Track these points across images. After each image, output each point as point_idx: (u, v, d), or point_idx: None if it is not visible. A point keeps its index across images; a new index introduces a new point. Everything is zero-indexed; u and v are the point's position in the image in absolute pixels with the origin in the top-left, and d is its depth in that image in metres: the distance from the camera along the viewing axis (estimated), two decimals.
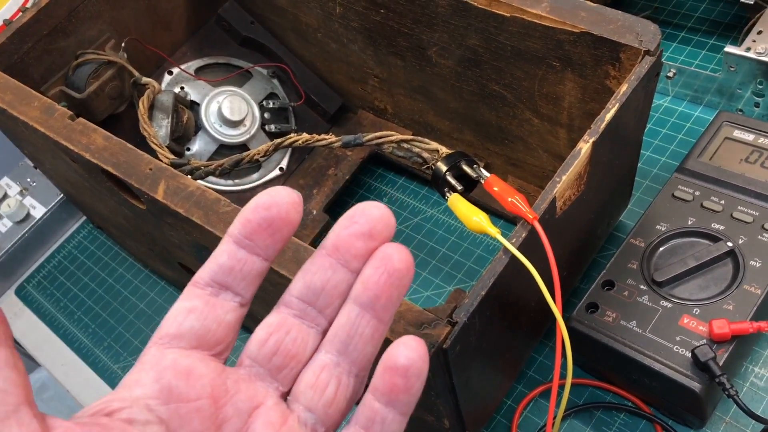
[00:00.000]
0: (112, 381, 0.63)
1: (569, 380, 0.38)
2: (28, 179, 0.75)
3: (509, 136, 0.57)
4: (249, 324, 0.62)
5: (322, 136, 0.44)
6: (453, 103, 0.58)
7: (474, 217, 0.38)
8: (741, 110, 0.59)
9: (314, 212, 0.64)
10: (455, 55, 0.53)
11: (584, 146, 0.39)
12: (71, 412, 0.82)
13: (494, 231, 0.37)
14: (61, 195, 0.72)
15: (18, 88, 0.50)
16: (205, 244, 0.44)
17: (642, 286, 0.48)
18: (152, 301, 0.67)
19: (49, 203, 0.73)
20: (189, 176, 0.43)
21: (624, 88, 0.40)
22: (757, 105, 0.58)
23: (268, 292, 0.44)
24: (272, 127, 0.66)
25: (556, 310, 0.36)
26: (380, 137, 0.43)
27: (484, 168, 0.61)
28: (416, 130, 0.65)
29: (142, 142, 0.54)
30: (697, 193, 0.51)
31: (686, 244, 0.49)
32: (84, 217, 0.74)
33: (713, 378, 0.42)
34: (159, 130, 0.56)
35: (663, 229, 0.50)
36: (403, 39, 0.55)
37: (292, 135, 0.45)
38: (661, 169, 0.60)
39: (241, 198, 0.65)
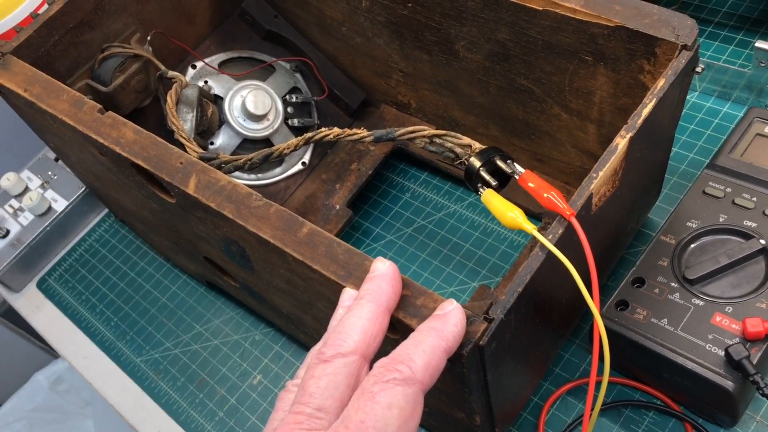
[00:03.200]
0: (135, 374, 0.63)
1: (606, 378, 0.37)
2: (50, 172, 0.75)
3: (536, 131, 0.56)
4: (272, 317, 0.62)
5: (354, 130, 0.44)
6: (479, 98, 0.58)
7: (509, 213, 0.38)
8: None
9: (337, 207, 0.64)
10: (484, 49, 0.52)
11: (621, 141, 0.38)
12: (86, 405, 0.83)
13: (531, 227, 0.37)
14: (83, 188, 0.72)
15: (47, 81, 0.50)
16: (234, 238, 0.44)
17: (673, 284, 0.47)
18: (174, 295, 0.67)
19: (71, 196, 0.73)
20: (219, 170, 0.43)
21: (661, 83, 0.40)
22: None
23: (298, 287, 0.44)
24: (295, 122, 0.66)
25: (594, 308, 0.35)
26: (412, 132, 0.42)
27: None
28: (440, 124, 0.65)
29: (167, 136, 0.54)
30: (729, 189, 0.50)
31: (718, 242, 0.48)
32: (105, 211, 0.74)
33: (747, 377, 0.42)
34: (184, 124, 0.56)
35: (694, 226, 0.49)
36: (430, 33, 0.55)
37: (323, 129, 0.45)
38: (689, 165, 0.59)
39: (264, 192, 0.65)
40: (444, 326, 0.33)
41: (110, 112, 0.46)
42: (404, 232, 0.64)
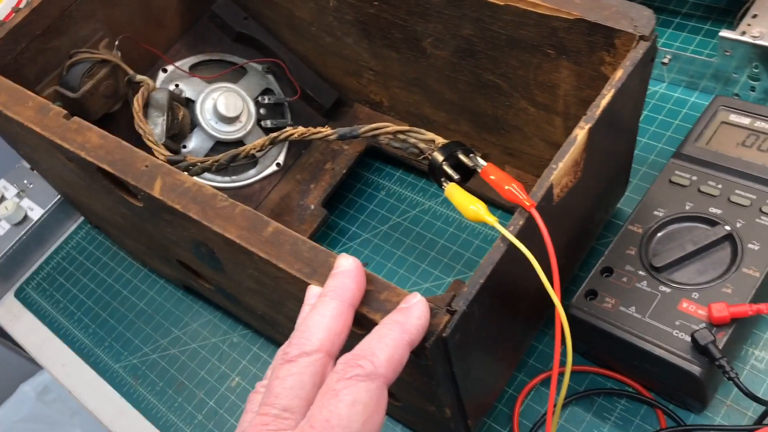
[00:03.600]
0: (113, 380, 0.63)
1: (569, 367, 0.38)
2: (25, 181, 0.75)
3: (505, 125, 0.57)
4: (249, 319, 0.62)
5: (318, 129, 0.44)
6: (448, 94, 0.58)
7: (471, 206, 0.38)
8: (737, 95, 0.59)
9: (312, 207, 0.64)
10: (450, 45, 0.53)
11: (580, 132, 0.39)
12: (74, 414, 0.82)
13: (492, 219, 0.37)
14: (59, 196, 0.72)
15: (12, 88, 0.50)
16: (202, 240, 0.44)
17: (641, 272, 0.48)
18: (152, 300, 0.67)
19: (47, 205, 0.73)
20: (185, 172, 0.43)
21: (619, 74, 0.40)
22: (752, 89, 0.58)
23: (267, 286, 0.44)
24: (268, 123, 0.66)
25: (555, 297, 0.36)
26: (376, 129, 0.43)
27: (482, 158, 0.61)
28: (413, 122, 0.65)
29: (137, 141, 0.54)
30: (695, 178, 0.51)
31: (684, 229, 0.49)
32: (82, 218, 0.74)
33: (713, 361, 0.42)
34: (154, 128, 0.56)
35: (661, 215, 0.50)
36: (398, 31, 0.55)
37: (287, 129, 0.45)
38: (658, 155, 0.60)
39: (239, 194, 0.65)
40: (407, 319, 0.33)
41: (75, 118, 0.46)
42: (380, 229, 0.65)
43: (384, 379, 0.31)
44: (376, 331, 0.33)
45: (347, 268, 0.35)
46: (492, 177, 0.39)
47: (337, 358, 0.32)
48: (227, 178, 0.65)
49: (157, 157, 0.48)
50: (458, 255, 0.61)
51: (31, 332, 0.69)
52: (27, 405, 1.24)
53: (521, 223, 0.37)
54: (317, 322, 0.33)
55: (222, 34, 0.68)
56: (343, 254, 0.36)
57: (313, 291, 0.36)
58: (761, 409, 0.45)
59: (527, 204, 0.37)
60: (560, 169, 0.38)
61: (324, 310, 0.33)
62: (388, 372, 0.31)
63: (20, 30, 0.55)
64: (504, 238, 0.36)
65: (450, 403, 0.41)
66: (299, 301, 0.41)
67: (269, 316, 0.52)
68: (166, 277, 0.66)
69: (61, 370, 0.66)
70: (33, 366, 1.22)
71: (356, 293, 0.34)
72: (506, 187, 0.38)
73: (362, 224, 0.65)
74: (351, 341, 0.34)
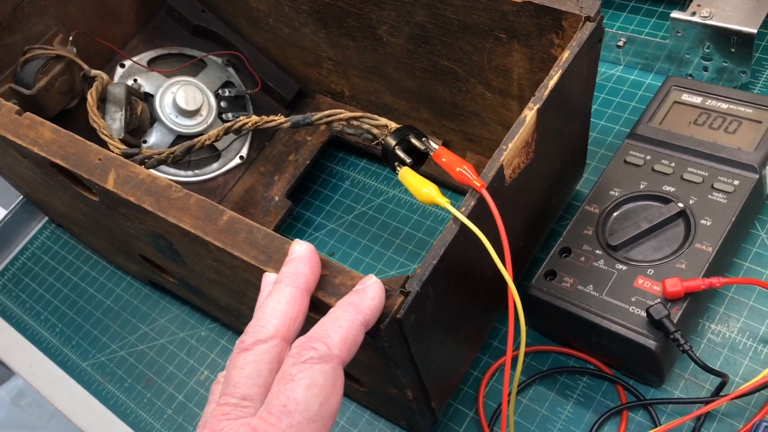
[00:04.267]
0: (81, 379, 0.63)
1: (523, 347, 0.38)
2: None
3: (464, 111, 0.57)
4: (215, 312, 0.62)
5: (272, 117, 0.44)
6: (407, 82, 0.58)
7: (424, 189, 0.39)
8: (691, 75, 0.60)
9: (276, 198, 0.64)
10: (405, 32, 0.53)
11: (529, 113, 0.39)
12: (51, 419, 0.82)
13: (444, 201, 0.38)
14: (21, 196, 0.72)
15: None
16: (159, 232, 0.44)
17: (598, 251, 0.49)
18: (118, 297, 0.66)
19: (9, 205, 0.72)
20: (141, 165, 0.43)
21: (566, 55, 0.41)
22: (705, 69, 0.59)
23: (226, 276, 0.44)
24: (230, 116, 0.66)
25: (507, 275, 0.36)
26: (329, 115, 0.43)
27: (443, 145, 0.62)
28: (374, 110, 0.65)
29: (96, 136, 0.54)
30: (648, 157, 0.52)
31: (639, 208, 0.50)
32: (46, 218, 0.74)
33: (668, 335, 0.43)
34: (113, 123, 0.56)
35: (616, 195, 0.51)
36: (353, 19, 0.55)
37: (241, 118, 0.45)
38: (616, 137, 0.61)
39: (202, 188, 0.65)
40: (361, 300, 0.33)
41: (28, 113, 0.46)
42: (345, 219, 0.65)
43: (339, 360, 0.31)
44: (330, 313, 0.33)
45: (301, 254, 0.35)
46: (443, 159, 0.40)
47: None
48: (190, 172, 0.65)
49: (113, 151, 0.47)
50: (423, 242, 0.61)
51: None
52: (2, 410, 1.22)
53: (472, 203, 0.37)
54: (272, 308, 0.33)
55: (180, 27, 0.67)
56: (297, 240, 0.36)
57: (268, 278, 0.36)
58: (718, 381, 0.46)
59: (477, 185, 0.37)
60: (510, 150, 0.39)
61: (278, 296, 0.33)
62: (342, 353, 0.31)
63: None
64: (456, 219, 0.37)
65: (411, 385, 0.42)
66: (258, 289, 0.41)
67: (233, 307, 0.52)
68: (132, 273, 0.66)
69: (29, 370, 0.66)
70: (6, 371, 1.21)
71: (311, 278, 0.34)
72: (457, 169, 0.38)
73: (327, 214, 0.66)
74: (307, 327, 0.34)
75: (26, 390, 1.21)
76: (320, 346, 0.31)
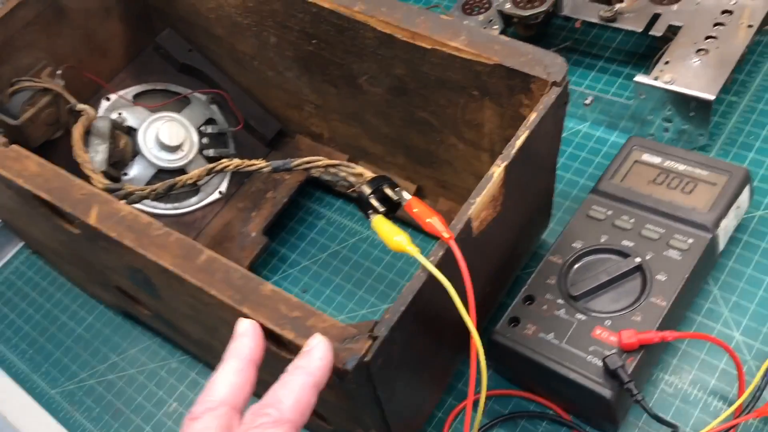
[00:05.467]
0: (49, 406, 0.63)
1: (484, 392, 0.40)
2: None
3: (438, 159, 0.60)
4: (186, 345, 0.63)
5: (253, 161, 0.46)
6: (384, 129, 0.61)
7: (395, 237, 0.41)
8: (653, 135, 0.64)
9: (253, 234, 0.66)
10: (384, 83, 0.56)
11: (496, 170, 0.42)
12: None
13: (414, 250, 0.40)
14: None
15: None
16: (138, 267, 0.45)
17: (559, 300, 0.51)
18: (90, 326, 0.67)
19: None
20: (123, 200, 0.44)
21: (533, 117, 0.43)
22: (666, 130, 0.62)
23: (201, 312, 0.45)
24: (211, 152, 0.68)
25: (470, 322, 0.38)
26: (308, 162, 0.45)
27: (416, 191, 0.64)
28: (352, 154, 0.68)
29: (78, 169, 0.55)
30: (609, 212, 0.54)
31: (599, 261, 0.52)
32: (21, 243, 0.74)
33: (622, 385, 0.45)
34: (95, 155, 0.57)
35: (578, 247, 0.53)
36: (335, 68, 0.58)
37: (224, 160, 0.47)
38: (581, 190, 0.63)
39: (180, 221, 0.66)
40: (309, 362, 0.35)
41: (14, 146, 0.47)
42: (319, 257, 0.67)
43: (292, 424, 0.33)
44: (280, 379, 0.34)
45: (245, 329, 0.37)
46: (415, 210, 0.42)
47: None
48: (169, 206, 0.66)
49: (96, 186, 0.49)
50: (394, 283, 0.63)
51: None
52: None
53: (441, 254, 0.39)
54: (218, 379, 0.35)
55: (166, 64, 0.69)
56: (241, 318, 0.38)
57: (241, 325, 0.38)
58: (669, 430, 0.48)
59: (446, 236, 0.39)
60: (478, 204, 0.41)
61: (225, 367, 0.35)
62: (295, 416, 0.33)
63: None
64: (425, 268, 0.39)
65: (376, 426, 0.43)
66: (231, 327, 0.43)
67: (205, 341, 0.53)
68: (105, 302, 0.67)
69: None
70: None
71: (255, 350, 0.36)
72: (427, 221, 0.40)
73: (302, 251, 0.67)
74: (280, 365, 0.36)
75: None
76: (273, 411, 0.32)
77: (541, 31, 0.72)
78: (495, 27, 0.69)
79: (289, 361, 0.39)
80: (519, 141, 0.42)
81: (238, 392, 0.34)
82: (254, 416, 0.32)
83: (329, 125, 0.66)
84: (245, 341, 0.36)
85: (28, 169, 0.46)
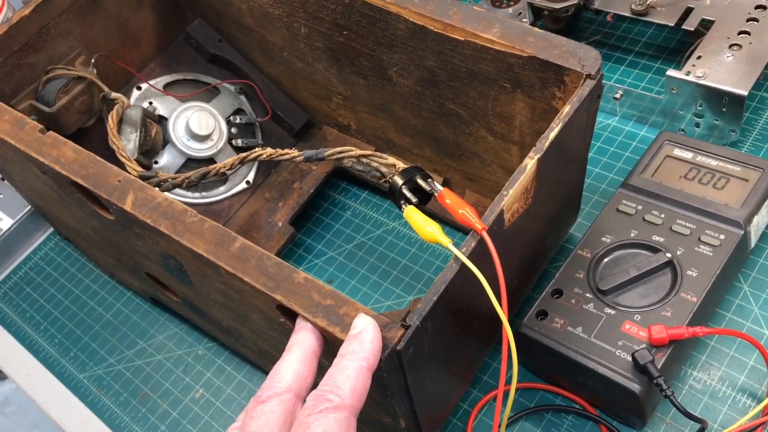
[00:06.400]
0: (78, 390, 0.64)
1: (514, 384, 0.40)
2: None
3: (466, 152, 0.60)
4: (214, 332, 0.63)
5: (286, 150, 0.47)
6: (413, 121, 0.61)
7: (428, 228, 0.41)
8: (683, 130, 0.63)
9: (279, 224, 0.66)
10: (414, 75, 0.56)
11: (529, 162, 0.42)
12: (34, 427, 0.82)
13: (446, 241, 0.40)
14: (29, 207, 0.73)
15: None
16: (171, 253, 0.46)
17: (588, 295, 0.51)
18: (118, 312, 0.68)
19: (17, 215, 0.73)
20: (156, 188, 0.45)
21: (566, 109, 0.43)
22: (697, 125, 0.62)
23: (233, 300, 0.46)
24: (239, 142, 0.68)
25: (503, 316, 0.38)
26: (341, 152, 0.45)
27: (443, 183, 0.64)
28: (378, 145, 0.68)
29: (110, 156, 0.56)
30: (640, 207, 0.54)
31: (629, 255, 0.52)
32: (51, 229, 0.75)
33: (651, 379, 0.45)
34: (127, 143, 0.58)
35: (608, 241, 0.53)
36: (365, 59, 0.58)
37: (257, 149, 0.47)
38: (609, 184, 0.63)
39: (208, 210, 0.67)
40: (362, 346, 0.36)
41: (51, 132, 0.48)
42: (345, 248, 0.67)
43: (352, 409, 0.34)
44: (336, 364, 0.35)
45: (305, 324, 0.39)
46: (447, 201, 0.42)
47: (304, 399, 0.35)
48: (197, 194, 0.67)
49: (130, 173, 0.49)
50: (419, 274, 0.63)
51: None
52: None
53: (473, 245, 0.39)
54: (285, 367, 0.36)
55: (196, 54, 0.70)
56: (300, 317, 0.39)
57: (301, 321, 0.39)
58: (697, 426, 0.48)
59: (479, 227, 0.39)
60: (510, 196, 0.41)
61: (290, 357, 0.36)
62: (354, 401, 0.34)
63: None
64: (457, 259, 0.39)
65: (405, 415, 0.43)
66: (263, 314, 0.43)
67: (234, 328, 0.53)
68: (134, 289, 0.68)
69: (26, 379, 0.67)
70: None
71: (317, 344, 0.38)
72: (460, 211, 0.40)
73: (328, 242, 0.68)
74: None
75: (12, 397, 1.21)
76: (334, 398, 0.33)
77: (570, 24, 0.72)
78: (524, 20, 0.69)
79: (324, 350, 0.39)
80: (552, 134, 0.42)
81: (302, 381, 0.35)
82: (316, 402, 0.33)
83: (357, 117, 0.67)
84: (308, 334, 0.38)
85: (65, 155, 0.47)
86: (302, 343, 0.37)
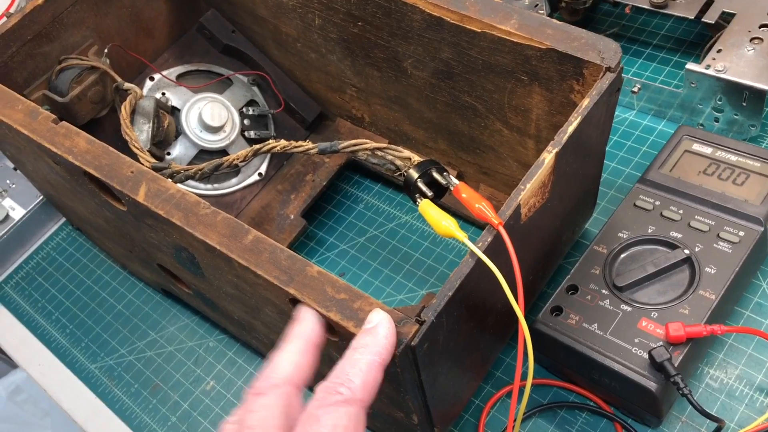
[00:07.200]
0: (89, 381, 0.64)
1: (530, 380, 0.40)
2: (8, 181, 0.76)
3: (481, 145, 0.59)
4: (226, 324, 0.63)
5: (300, 142, 0.46)
6: (427, 113, 0.60)
7: (443, 222, 0.40)
8: (702, 125, 0.62)
9: (292, 217, 0.66)
10: (429, 67, 0.55)
11: (547, 156, 0.41)
12: (45, 416, 0.83)
13: (462, 235, 0.39)
14: (41, 197, 0.73)
15: (2, 91, 0.51)
16: (183, 245, 0.45)
17: (604, 291, 0.50)
18: (130, 303, 0.68)
19: (29, 205, 0.73)
20: (169, 179, 0.44)
21: (586, 102, 0.42)
22: (716, 120, 0.61)
23: (245, 292, 0.45)
24: (252, 134, 0.68)
25: (519, 311, 0.38)
26: (355, 145, 0.44)
27: (457, 176, 0.64)
28: (392, 138, 0.67)
29: (123, 146, 0.55)
30: (657, 203, 0.53)
31: (646, 251, 0.51)
32: (63, 220, 0.75)
33: (668, 378, 0.45)
34: (140, 134, 0.58)
35: (625, 237, 0.52)
36: (380, 51, 0.57)
37: (270, 141, 0.47)
38: (626, 179, 0.62)
39: (220, 202, 0.66)
40: (375, 340, 0.35)
41: (64, 122, 0.48)
42: (357, 241, 0.66)
43: (362, 403, 0.33)
44: (348, 357, 0.34)
45: (306, 313, 0.38)
46: (463, 195, 0.41)
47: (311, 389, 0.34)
48: (209, 186, 0.66)
49: (143, 164, 0.49)
50: (432, 268, 0.63)
51: (8, 331, 0.70)
52: None
53: (489, 239, 0.39)
54: (283, 357, 0.35)
55: (209, 45, 0.69)
56: (301, 304, 0.38)
57: (303, 310, 0.38)
58: (714, 425, 0.47)
59: (495, 222, 0.39)
60: (528, 191, 0.40)
61: (289, 347, 0.35)
62: (365, 396, 0.33)
63: (11, 35, 0.56)
64: (473, 254, 0.38)
65: (417, 410, 0.43)
66: (276, 307, 0.43)
67: (246, 321, 0.53)
68: (145, 280, 0.68)
69: (37, 369, 0.67)
70: (5, 365, 1.21)
71: (319, 334, 0.37)
72: (476, 206, 0.40)
73: (340, 235, 0.67)
74: (328, 350, 0.36)
75: (23, 386, 1.22)
76: (345, 390, 0.33)
77: (588, 16, 0.71)
78: (541, 11, 0.68)
79: (336, 344, 0.39)
80: (571, 127, 0.42)
81: (301, 372, 0.34)
82: (326, 394, 0.32)
83: (371, 109, 0.66)
84: (308, 324, 0.37)
85: (78, 146, 0.46)
86: (301, 332, 0.36)
